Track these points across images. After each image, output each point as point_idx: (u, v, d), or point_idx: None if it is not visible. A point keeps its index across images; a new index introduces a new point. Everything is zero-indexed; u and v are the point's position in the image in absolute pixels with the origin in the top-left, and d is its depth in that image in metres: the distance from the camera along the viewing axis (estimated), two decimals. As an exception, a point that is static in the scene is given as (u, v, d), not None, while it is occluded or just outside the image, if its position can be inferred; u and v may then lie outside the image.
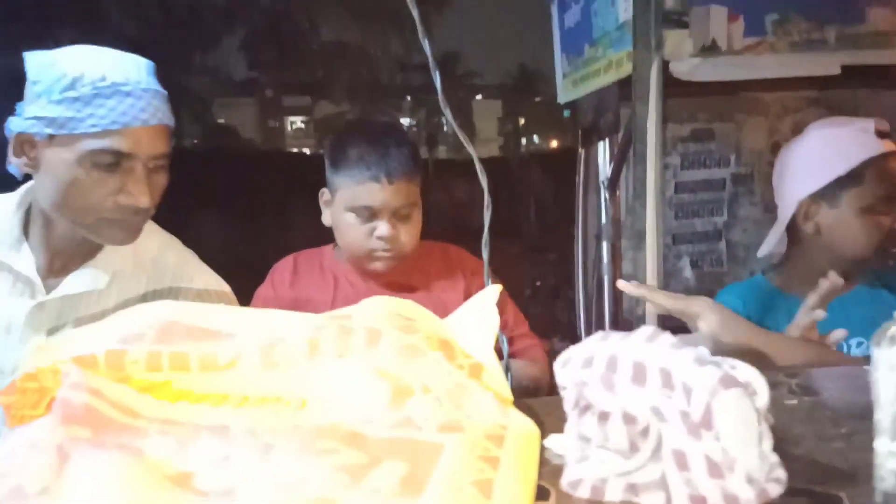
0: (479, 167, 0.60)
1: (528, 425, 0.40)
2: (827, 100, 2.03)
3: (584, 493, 0.39)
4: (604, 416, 0.38)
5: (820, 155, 1.16)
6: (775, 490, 0.37)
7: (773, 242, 1.27)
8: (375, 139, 1.20)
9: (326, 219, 1.27)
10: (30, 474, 0.34)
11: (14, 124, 0.89)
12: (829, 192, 1.15)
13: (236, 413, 0.42)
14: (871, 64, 1.68)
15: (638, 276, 1.10)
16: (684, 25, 1.63)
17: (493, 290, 0.47)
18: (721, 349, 0.79)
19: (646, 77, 0.99)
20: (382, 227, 1.17)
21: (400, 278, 1.25)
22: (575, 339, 2.32)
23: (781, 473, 0.37)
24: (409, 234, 1.20)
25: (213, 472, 0.36)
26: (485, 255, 0.59)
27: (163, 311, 0.48)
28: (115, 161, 0.87)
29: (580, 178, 2.37)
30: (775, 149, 2.08)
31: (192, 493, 0.34)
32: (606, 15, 1.92)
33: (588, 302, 2.31)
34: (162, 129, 0.92)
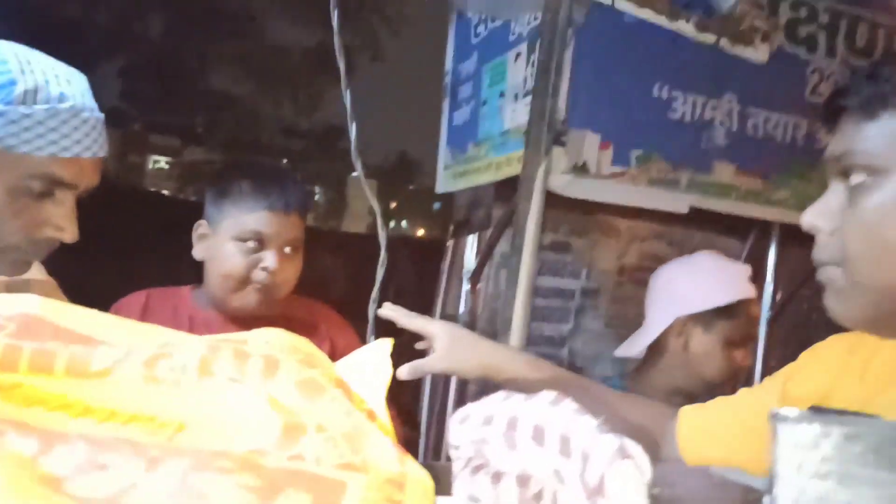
0: (380, 224, 0.60)
1: (424, 476, 0.38)
2: (670, 235, 2.26)
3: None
4: (497, 477, 0.38)
5: (707, 282, 1.30)
6: None
7: (638, 348, 1.39)
8: (272, 172, 1.21)
9: (198, 253, 1.22)
10: None
11: None
12: (707, 318, 1.29)
13: (101, 428, 0.37)
14: (712, 210, 1.91)
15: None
16: (562, 144, 1.77)
17: (386, 343, 0.46)
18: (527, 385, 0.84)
19: (532, 178, 1.05)
20: (269, 258, 1.14)
21: (263, 325, 1.19)
22: (415, 425, 2.29)
23: None
24: (290, 273, 1.18)
25: (87, 479, 0.31)
26: (371, 311, 0.58)
27: (28, 303, 0.42)
28: (48, 190, 0.77)
29: (445, 267, 2.43)
30: (622, 270, 2.28)
31: (68, 498, 0.29)
32: (493, 120, 2.05)
33: (434, 387, 2.31)
34: (99, 162, 0.83)
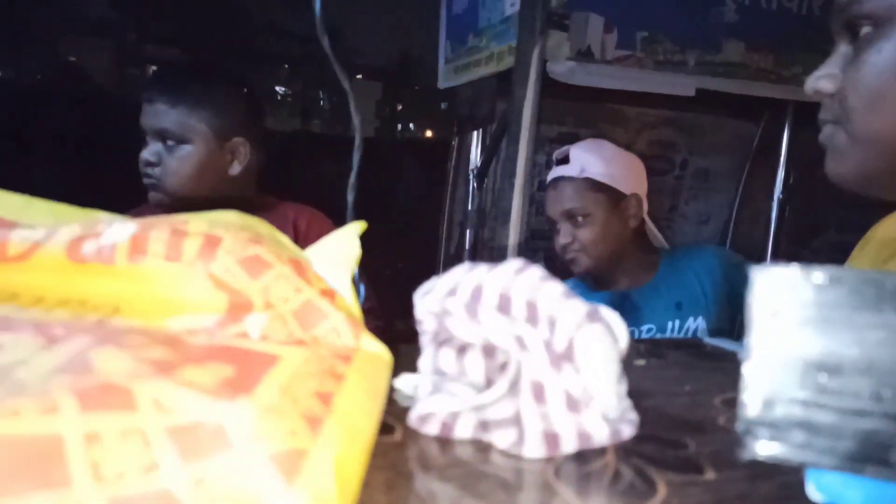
0: (353, 109, 0.58)
1: (380, 351, 0.38)
2: (679, 120, 2.21)
3: (432, 429, 0.39)
4: (463, 349, 0.38)
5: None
6: (628, 431, 0.38)
7: None
8: (186, 68, 1.21)
9: None
10: None
11: None
12: None
13: (22, 312, 0.36)
14: (721, 91, 1.85)
15: (501, 254, 1.13)
16: (564, 28, 1.70)
17: (356, 226, 0.45)
18: None
19: (527, 65, 1.02)
20: (145, 151, 1.14)
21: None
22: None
23: (634, 416, 0.39)
24: (175, 165, 1.15)
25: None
26: (349, 197, 0.57)
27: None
28: None
29: (451, 167, 2.41)
30: (632, 160, 2.24)
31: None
32: (493, 7, 1.96)
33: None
34: None
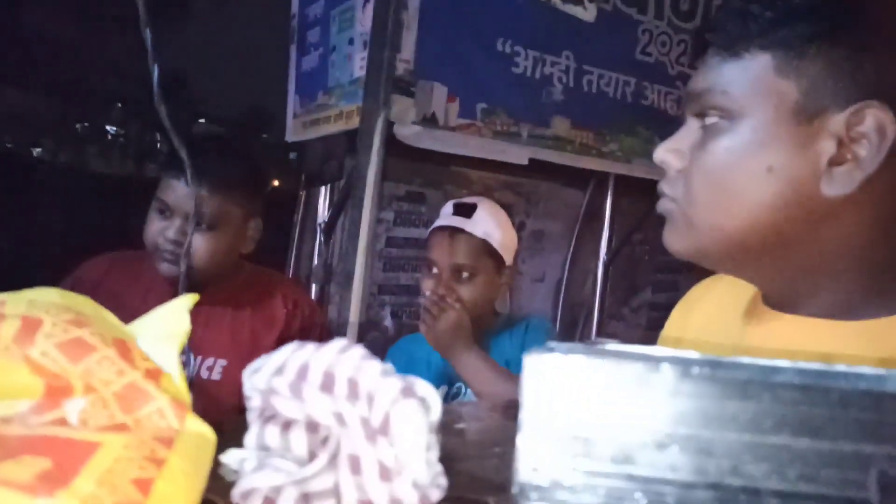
0: (188, 173, 0.57)
1: (203, 430, 0.38)
2: (517, 185, 2.37)
3: (255, 503, 0.39)
4: (287, 425, 0.39)
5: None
6: (436, 495, 0.41)
7: None
8: (208, 143, 1.22)
9: None
10: None
11: None
12: None
13: None
14: (552, 162, 2.02)
15: (343, 316, 1.14)
16: (411, 95, 1.79)
17: (187, 298, 0.44)
18: None
19: (371, 129, 1.05)
20: (170, 228, 1.14)
21: (221, 295, 1.22)
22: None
23: (443, 481, 0.41)
24: (203, 246, 1.16)
25: None
26: (182, 265, 0.56)
27: None
28: None
29: (297, 220, 2.39)
30: (473, 220, 2.36)
31: None
32: (342, 68, 2.01)
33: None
34: None
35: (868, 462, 0.24)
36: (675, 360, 0.26)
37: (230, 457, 0.43)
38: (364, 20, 1.89)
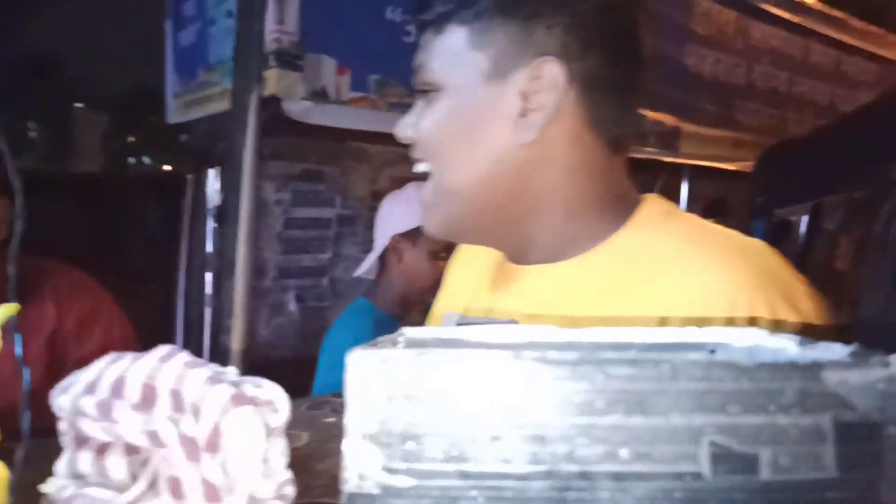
0: (10, 164, 0.51)
1: None
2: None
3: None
4: (103, 450, 0.34)
5: (411, 206, 1.42)
6: None
7: (366, 266, 1.52)
8: None
9: None
10: None
11: None
12: (413, 234, 1.42)
13: None
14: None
15: (227, 306, 1.08)
16: (299, 69, 1.71)
17: (4, 308, 0.39)
18: None
19: (245, 108, 0.99)
20: None
21: None
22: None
23: (290, 490, 0.38)
24: None
25: None
26: (11, 270, 0.50)
27: None
28: None
29: (186, 204, 2.26)
30: (376, 195, 2.32)
31: None
32: (223, 43, 1.90)
33: (188, 333, 2.19)
34: None
35: (699, 433, 0.24)
36: (502, 346, 0.25)
37: (51, 486, 0.38)
38: (243, -10, 1.79)
